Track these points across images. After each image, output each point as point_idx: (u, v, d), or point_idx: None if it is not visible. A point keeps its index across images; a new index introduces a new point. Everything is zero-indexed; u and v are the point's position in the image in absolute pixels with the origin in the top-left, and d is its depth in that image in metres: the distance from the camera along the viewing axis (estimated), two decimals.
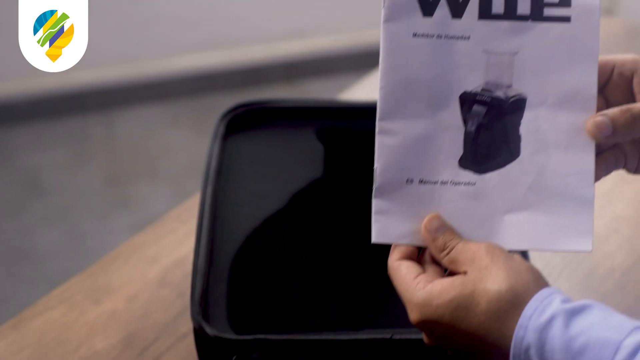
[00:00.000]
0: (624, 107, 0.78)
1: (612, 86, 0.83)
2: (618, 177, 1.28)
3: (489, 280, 0.73)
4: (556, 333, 0.70)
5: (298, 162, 1.08)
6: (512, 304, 0.72)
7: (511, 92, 0.81)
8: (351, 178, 1.13)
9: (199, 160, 2.41)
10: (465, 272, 0.76)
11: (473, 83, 0.81)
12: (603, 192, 1.26)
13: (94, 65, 3.12)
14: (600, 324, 0.70)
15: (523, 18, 0.81)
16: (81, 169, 2.88)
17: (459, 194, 0.81)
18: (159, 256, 1.16)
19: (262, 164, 1.09)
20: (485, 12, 0.81)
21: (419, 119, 0.81)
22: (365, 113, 1.16)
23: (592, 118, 0.78)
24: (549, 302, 0.72)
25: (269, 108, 1.15)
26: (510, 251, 0.77)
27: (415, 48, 0.82)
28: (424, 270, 0.79)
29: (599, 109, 0.82)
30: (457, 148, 0.81)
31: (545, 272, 1.10)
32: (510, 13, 0.81)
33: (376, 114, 0.82)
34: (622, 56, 0.83)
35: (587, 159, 0.81)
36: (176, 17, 3.15)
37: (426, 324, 0.76)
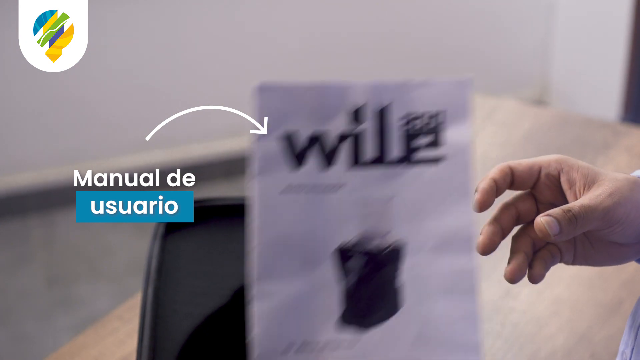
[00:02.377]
0: (565, 207, 0.81)
1: (540, 186, 0.87)
2: None
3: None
4: None
5: (238, 258, 1.09)
6: None
7: (388, 241, 0.79)
8: None
9: (140, 259, 2.41)
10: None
11: (348, 235, 0.78)
12: None
13: (33, 167, 3.11)
14: None
15: (394, 163, 0.79)
16: (22, 270, 2.86)
17: (342, 357, 0.77)
18: (102, 356, 1.16)
19: (203, 261, 1.10)
20: (355, 161, 0.79)
21: (294, 278, 0.77)
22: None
23: (541, 217, 0.81)
24: None
25: (208, 207, 1.16)
26: None
27: (286, 203, 0.78)
28: None
29: (530, 209, 0.86)
30: (336, 306, 0.77)
31: (489, 355, 1.13)
32: (381, 159, 0.79)
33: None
34: (547, 157, 0.87)
35: (471, 303, 0.79)
36: (114, 118, 3.17)
37: None
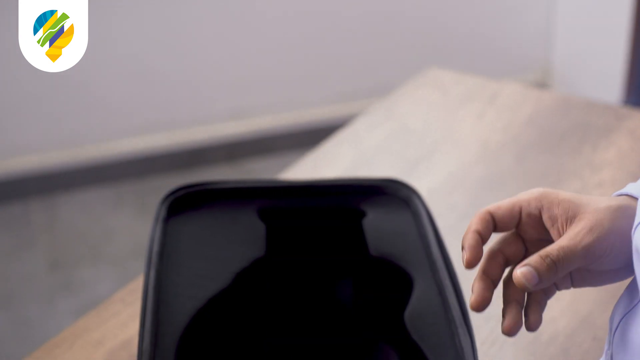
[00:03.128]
0: (542, 253, 0.81)
1: (524, 226, 0.86)
2: None
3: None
4: None
5: (240, 241, 1.10)
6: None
7: None
8: (293, 256, 1.14)
9: (143, 242, 2.41)
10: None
11: None
12: None
13: (35, 150, 3.12)
14: None
15: None
16: (24, 254, 2.87)
17: None
18: (104, 339, 1.17)
19: (205, 245, 1.10)
20: None
21: None
22: (303, 192, 1.18)
23: (518, 269, 0.81)
24: None
25: (209, 190, 1.16)
26: None
27: None
28: None
29: (517, 250, 0.86)
30: None
31: (489, 340, 1.13)
32: None
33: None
34: (526, 196, 0.86)
35: None
36: (116, 101, 3.17)
37: None
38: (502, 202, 0.86)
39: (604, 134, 1.61)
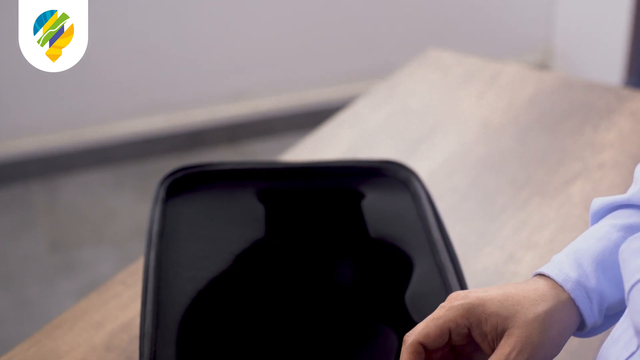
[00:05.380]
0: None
1: (454, 340, 0.84)
2: (559, 225, 1.32)
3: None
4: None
5: (239, 223, 1.10)
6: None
7: None
8: (293, 237, 1.14)
9: (143, 223, 2.41)
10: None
11: None
12: (545, 241, 1.29)
13: (35, 132, 3.11)
14: None
15: None
16: (25, 235, 2.87)
17: None
18: (105, 321, 1.17)
19: (204, 226, 1.10)
20: None
21: None
22: (302, 173, 1.18)
23: None
24: None
25: (208, 171, 1.16)
26: None
27: None
28: None
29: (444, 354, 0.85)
30: None
31: None
32: None
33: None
34: (452, 314, 0.84)
35: None
36: (117, 82, 3.16)
37: None
38: (428, 327, 0.83)
39: (605, 115, 1.61)
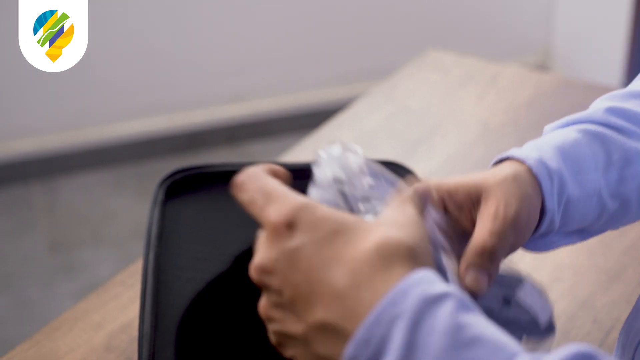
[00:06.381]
0: (477, 248, 0.76)
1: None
2: None
3: (392, 228, 0.63)
4: (445, 312, 0.57)
5: (239, 224, 1.10)
6: (402, 259, 0.61)
7: None
8: None
9: (143, 224, 2.41)
10: None
11: None
12: None
13: (35, 133, 3.11)
14: (496, 328, 0.59)
15: None
16: (24, 236, 2.87)
17: None
18: (105, 322, 1.17)
19: (203, 227, 1.10)
20: None
21: None
22: (302, 174, 1.18)
23: (466, 276, 0.75)
24: (439, 282, 0.60)
25: (207, 173, 1.16)
26: None
27: None
28: None
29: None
30: None
31: None
32: None
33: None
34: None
35: None
36: (116, 83, 3.17)
37: (288, 229, 0.64)
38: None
39: None
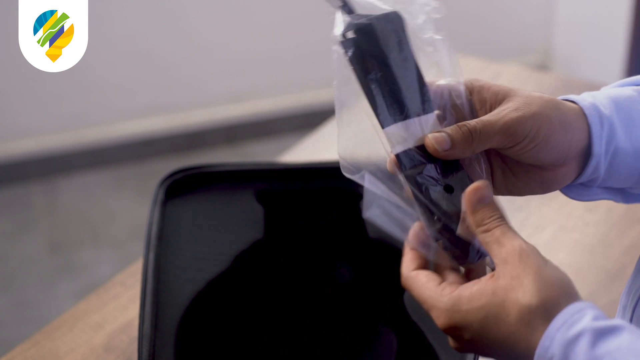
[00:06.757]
0: (460, 123, 0.79)
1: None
2: (558, 226, 1.32)
3: (519, 291, 0.72)
4: (581, 350, 0.68)
5: (238, 224, 1.10)
6: (542, 317, 0.71)
7: None
8: (292, 238, 1.14)
9: (143, 225, 2.41)
10: (494, 274, 0.74)
11: None
12: (545, 241, 1.29)
13: (35, 133, 3.11)
14: (628, 348, 0.68)
15: None
16: (24, 237, 2.87)
17: None
18: (105, 322, 1.17)
19: (203, 227, 1.10)
20: None
21: None
22: (301, 174, 1.18)
23: (431, 134, 0.79)
24: (579, 317, 0.70)
25: (207, 172, 1.16)
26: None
27: None
28: (443, 279, 0.77)
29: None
30: None
31: None
32: None
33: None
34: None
35: None
36: (116, 83, 3.16)
37: (455, 330, 0.75)
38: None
39: None
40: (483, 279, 0.75)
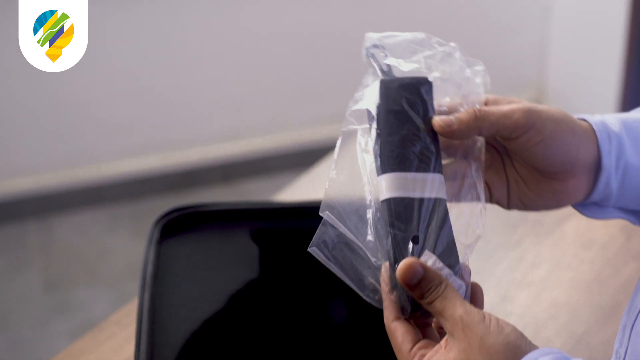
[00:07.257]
0: (469, 109, 0.83)
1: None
2: (553, 264, 1.32)
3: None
4: None
5: (234, 263, 1.10)
6: None
7: None
8: (287, 277, 1.14)
9: (138, 263, 2.41)
10: (447, 343, 0.75)
11: None
12: (540, 279, 1.29)
13: (30, 171, 3.11)
14: None
15: None
16: (20, 275, 2.86)
17: None
18: None
19: (199, 266, 1.10)
20: None
21: None
22: (296, 213, 1.18)
23: (438, 117, 0.83)
24: None
25: (202, 212, 1.17)
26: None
27: None
28: (420, 335, 0.78)
29: None
30: None
31: None
32: None
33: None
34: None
35: None
36: (111, 122, 3.17)
37: None
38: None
39: None
40: (442, 346, 0.75)
